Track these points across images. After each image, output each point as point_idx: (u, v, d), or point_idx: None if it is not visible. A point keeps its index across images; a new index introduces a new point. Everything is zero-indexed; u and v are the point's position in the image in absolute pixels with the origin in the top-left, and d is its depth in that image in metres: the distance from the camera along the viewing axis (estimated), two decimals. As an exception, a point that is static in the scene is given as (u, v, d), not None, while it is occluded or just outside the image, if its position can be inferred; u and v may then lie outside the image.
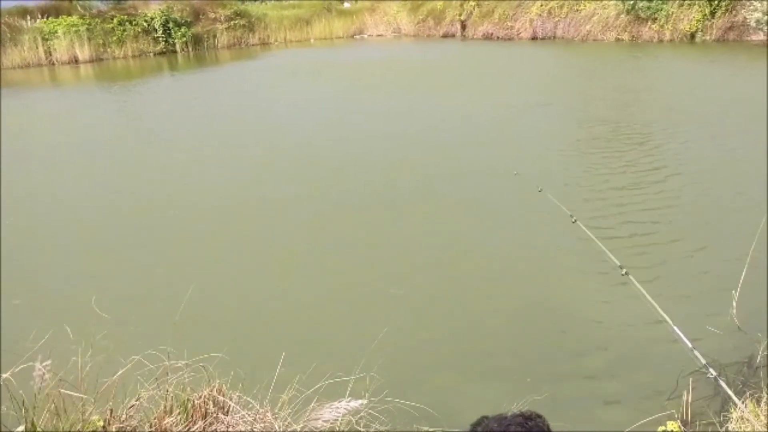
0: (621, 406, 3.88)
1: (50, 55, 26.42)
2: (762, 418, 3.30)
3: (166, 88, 19.31)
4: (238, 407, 2.98)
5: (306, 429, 2.97)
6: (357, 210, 7.57)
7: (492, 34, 27.77)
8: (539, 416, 1.24)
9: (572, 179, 8.16)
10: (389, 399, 3.30)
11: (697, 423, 3.53)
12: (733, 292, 4.67)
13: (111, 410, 2.74)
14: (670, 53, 20.03)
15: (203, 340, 4.62)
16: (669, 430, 3.15)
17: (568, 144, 9.91)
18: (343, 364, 3.71)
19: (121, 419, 2.69)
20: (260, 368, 3.59)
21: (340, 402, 2.97)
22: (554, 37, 25.73)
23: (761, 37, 20.86)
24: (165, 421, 2.67)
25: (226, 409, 2.93)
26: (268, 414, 2.97)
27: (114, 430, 2.72)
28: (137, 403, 2.78)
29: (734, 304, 4.66)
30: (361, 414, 3.00)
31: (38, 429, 2.43)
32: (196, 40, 29.30)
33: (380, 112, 13.49)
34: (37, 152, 11.33)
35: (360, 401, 2.99)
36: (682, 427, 3.46)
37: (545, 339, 4.69)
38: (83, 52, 26.67)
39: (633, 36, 23.59)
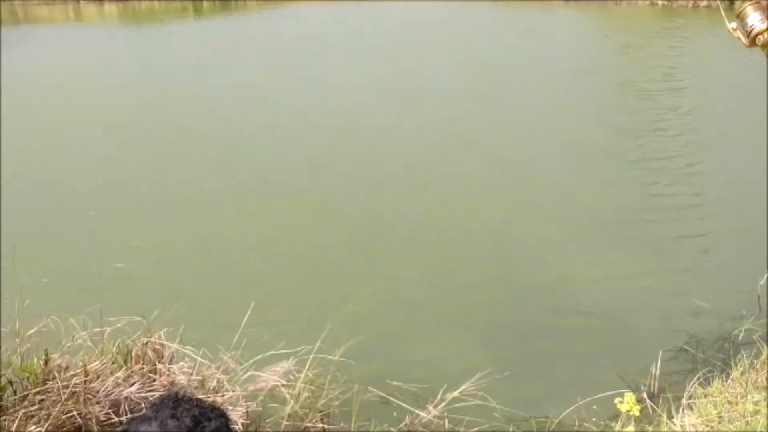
0: (596, 370, 3.77)
1: (75, -9, 26.29)
2: (726, 394, 3.16)
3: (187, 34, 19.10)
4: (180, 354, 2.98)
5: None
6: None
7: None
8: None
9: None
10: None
11: (660, 397, 3.39)
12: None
13: (46, 350, 2.75)
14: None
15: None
16: (626, 401, 3.02)
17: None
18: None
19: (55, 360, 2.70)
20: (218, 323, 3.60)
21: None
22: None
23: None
24: (92, 365, 2.66)
25: (165, 358, 2.91)
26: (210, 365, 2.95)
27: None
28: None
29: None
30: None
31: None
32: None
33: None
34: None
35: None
36: (647, 399, 3.33)
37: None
38: (108, -10, 26.46)
39: (669, -1, 22.51)
